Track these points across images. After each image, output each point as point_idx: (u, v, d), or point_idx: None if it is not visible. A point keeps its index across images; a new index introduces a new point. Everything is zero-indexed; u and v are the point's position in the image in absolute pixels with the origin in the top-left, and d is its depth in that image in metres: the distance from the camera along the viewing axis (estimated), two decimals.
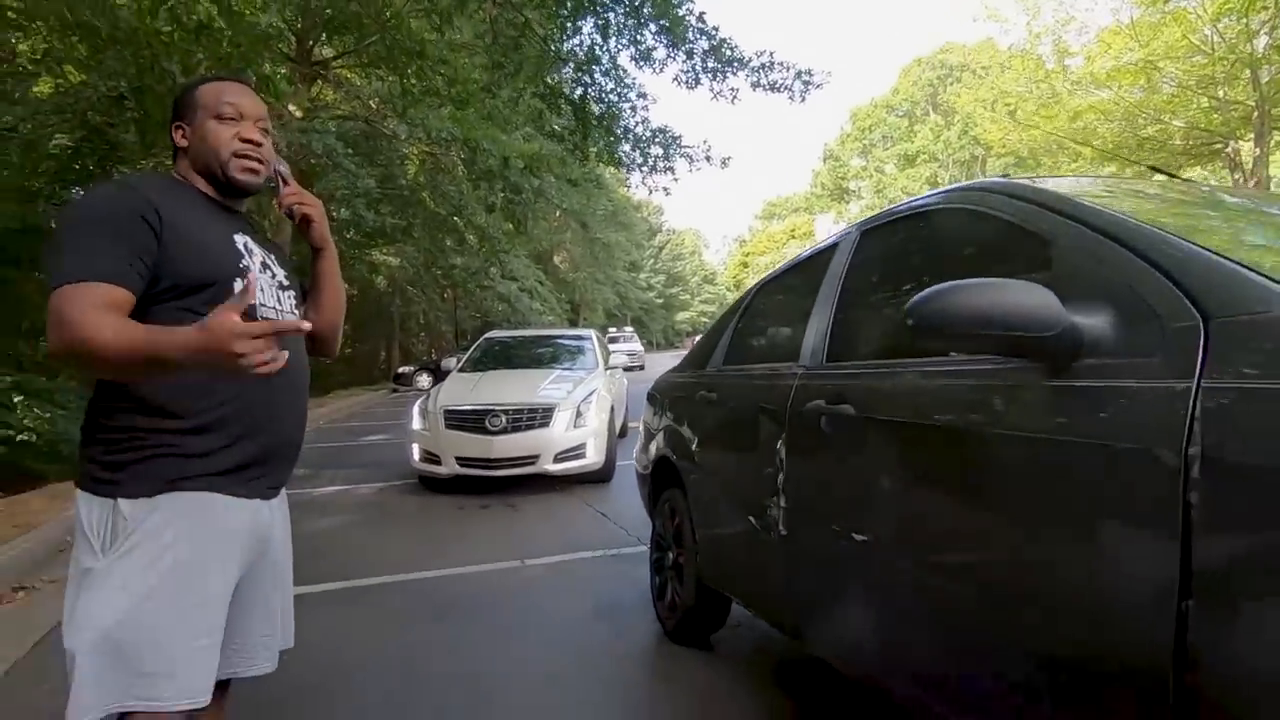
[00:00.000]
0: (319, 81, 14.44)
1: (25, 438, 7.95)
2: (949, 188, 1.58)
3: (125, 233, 1.12)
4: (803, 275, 2.24)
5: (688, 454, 2.63)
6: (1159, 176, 1.87)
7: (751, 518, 2.00)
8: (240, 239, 1.29)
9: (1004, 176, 1.51)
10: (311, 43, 13.46)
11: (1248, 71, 15.14)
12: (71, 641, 1.10)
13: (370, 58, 9.75)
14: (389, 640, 2.74)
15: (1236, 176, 17.54)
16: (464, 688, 2.32)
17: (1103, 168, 20.67)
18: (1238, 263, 0.92)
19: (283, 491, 1.38)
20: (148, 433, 1.14)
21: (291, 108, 11.80)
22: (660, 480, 2.98)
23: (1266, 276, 0.87)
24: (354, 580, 3.45)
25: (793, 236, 52.67)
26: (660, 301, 57.59)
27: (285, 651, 1.40)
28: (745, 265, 61.45)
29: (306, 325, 1.10)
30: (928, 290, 1.10)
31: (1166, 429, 0.86)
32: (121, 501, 1.12)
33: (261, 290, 1.28)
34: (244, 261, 1.26)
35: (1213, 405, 0.83)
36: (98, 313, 1.04)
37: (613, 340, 23.62)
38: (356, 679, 2.40)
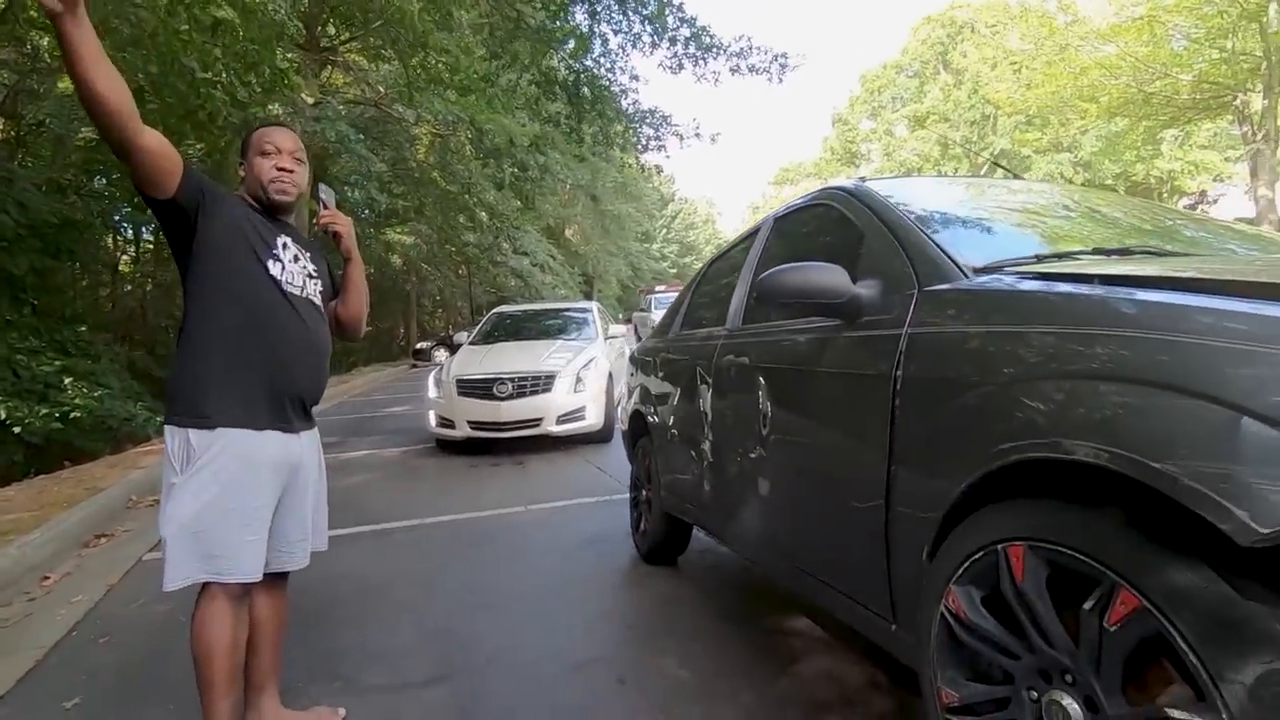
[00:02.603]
0: (329, 67, 14.89)
1: (77, 415, 8.66)
2: (821, 188, 2.04)
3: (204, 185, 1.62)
4: (735, 255, 2.70)
5: (653, 406, 3.14)
6: (999, 174, 2.30)
7: (691, 452, 2.51)
8: (281, 239, 1.75)
9: (860, 180, 1.96)
10: (319, 28, 13.87)
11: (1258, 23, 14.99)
12: (164, 531, 1.57)
13: (375, 45, 10.16)
14: (412, 566, 3.31)
15: (1245, 129, 17.42)
16: (473, 597, 2.87)
17: (1112, 124, 20.56)
18: (945, 251, 1.39)
19: (315, 430, 1.86)
20: (208, 385, 1.60)
21: (304, 95, 12.28)
22: (636, 431, 3.49)
23: (953, 260, 1.34)
24: (381, 524, 4.03)
25: None
26: (674, 271, 57.70)
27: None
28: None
29: None
30: (766, 271, 1.58)
31: (889, 360, 1.34)
32: (190, 432, 1.58)
33: (289, 271, 1.74)
34: (276, 251, 1.71)
35: (909, 344, 1.31)
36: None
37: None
38: (386, 591, 2.96)
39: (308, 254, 1.84)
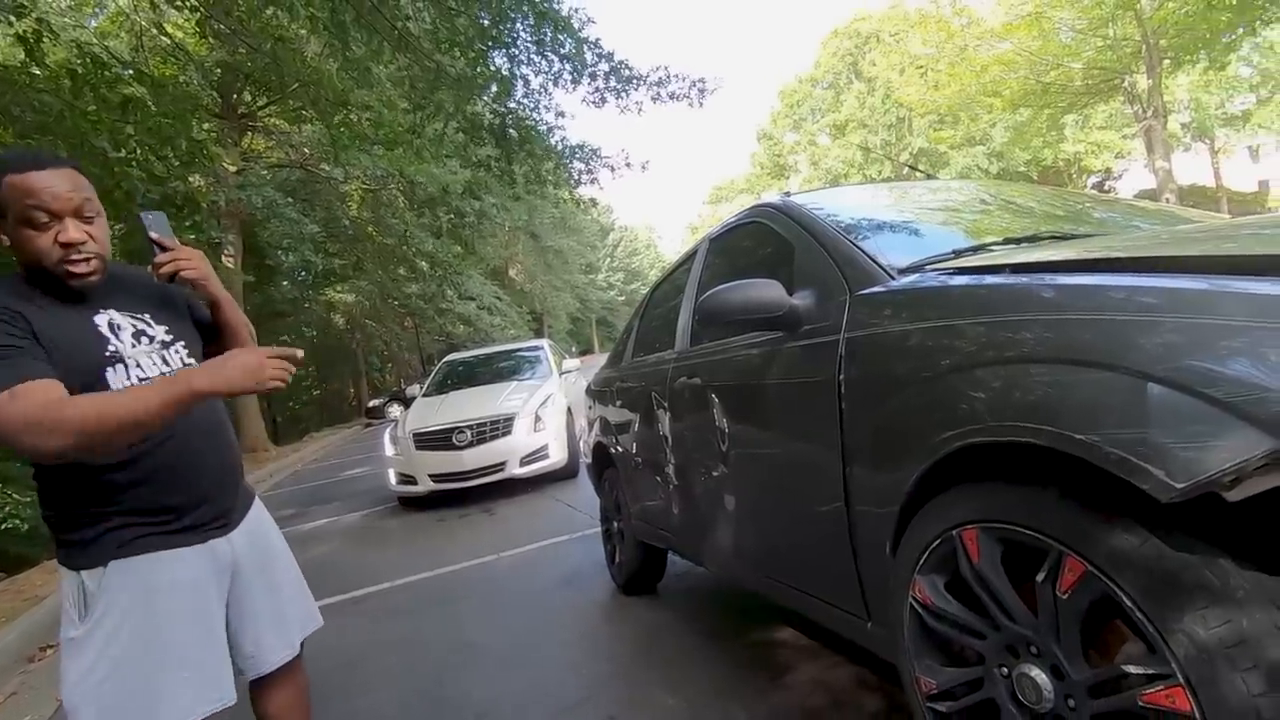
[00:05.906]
0: (249, 133, 14.67)
1: (9, 525, 8.11)
2: (750, 206, 2.11)
3: (20, 336, 1.16)
4: (678, 278, 2.75)
5: (614, 436, 3.14)
6: (918, 176, 2.41)
7: (657, 477, 2.52)
8: (103, 319, 1.30)
9: (787, 195, 2.03)
10: (235, 95, 13.69)
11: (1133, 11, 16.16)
12: (67, 699, 1.23)
13: (295, 107, 10.10)
14: (390, 630, 3.21)
15: (1136, 108, 18.64)
16: (456, 654, 2.80)
17: (1017, 115, 21.76)
18: (870, 255, 1.45)
19: (252, 511, 1.51)
20: (89, 510, 1.25)
21: (225, 164, 12.05)
22: (600, 463, 3.48)
23: (878, 264, 1.41)
24: (352, 592, 3.90)
25: None
26: (622, 299, 58.24)
27: (306, 647, 1.60)
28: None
29: (299, 353, 1.28)
30: (706, 293, 1.62)
31: (830, 365, 1.39)
32: (84, 574, 1.24)
33: (139, 365, 1.30)
34: (110, 347, 1.28)
35: (847, 348, 1.36)
36: (66, 404, 1.11)
37: None
38: (367, 660, 2.87)
39: (147, 314, 1.39)
